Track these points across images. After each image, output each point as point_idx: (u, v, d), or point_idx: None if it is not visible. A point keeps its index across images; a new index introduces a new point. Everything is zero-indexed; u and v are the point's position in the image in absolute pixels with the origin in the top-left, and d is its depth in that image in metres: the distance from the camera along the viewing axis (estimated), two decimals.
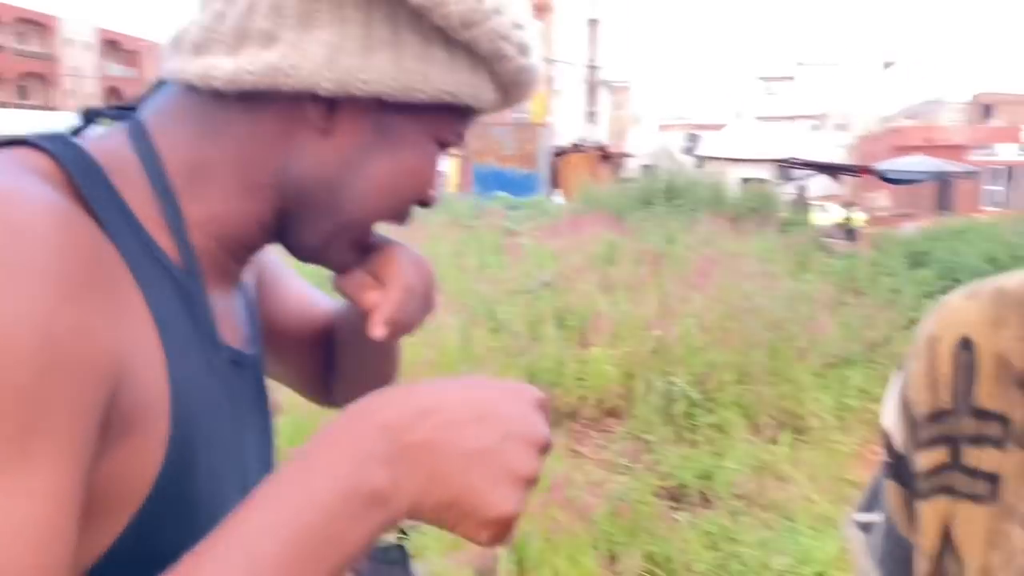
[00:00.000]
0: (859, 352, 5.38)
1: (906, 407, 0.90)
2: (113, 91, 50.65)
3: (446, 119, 0.66)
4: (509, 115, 39.22)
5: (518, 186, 17.41)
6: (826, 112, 52.64)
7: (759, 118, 54.16)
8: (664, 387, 4.66)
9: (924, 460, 0.85)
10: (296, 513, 0.46)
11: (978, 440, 0.82)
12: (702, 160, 19.88)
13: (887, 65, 56.98)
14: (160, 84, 0.67)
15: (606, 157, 20.14)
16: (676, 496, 3.89)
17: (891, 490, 0.95)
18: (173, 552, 0.50)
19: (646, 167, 16.98)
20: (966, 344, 0.83)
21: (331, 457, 0.48)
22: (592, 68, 46.90)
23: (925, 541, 0.87)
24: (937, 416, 0.84)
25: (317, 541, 0.46)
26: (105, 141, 0.61)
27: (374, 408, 0.50)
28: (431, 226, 9.79)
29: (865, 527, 1.01)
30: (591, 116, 49.32)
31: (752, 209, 12.23)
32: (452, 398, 0.51)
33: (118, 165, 0.59)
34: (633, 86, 67.01)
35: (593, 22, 47.93)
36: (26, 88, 47.10)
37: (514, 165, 18.44)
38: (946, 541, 0.84)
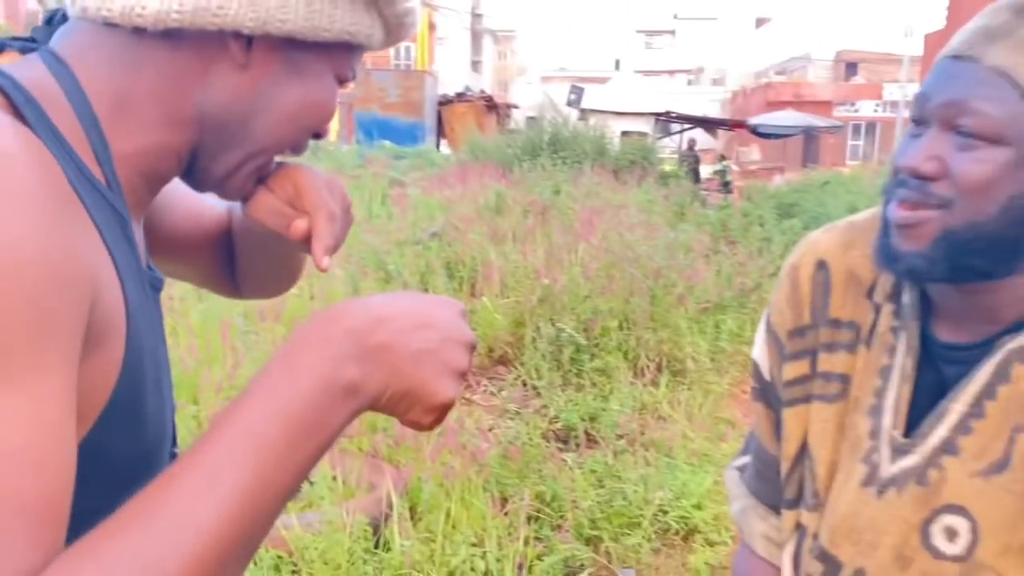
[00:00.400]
0: (732, 298, 5.67)
1: (771, 331, 1.02)
2: None
3: (344, 56, 0.72)
4: (391, 61, 38.41)
5: (403, 135, 17.13)
6: (703, 67, 54.11)
7: (638, 71, 55.12)
8: (552, 334, 4.79)
9: (788, 372, 0.98)
10: (286, 404, 0.53)
11: (831, 347, 0.94)
12: (585, 113, 20.11)
13: (760, 22, 58.92)
14: (60, 18, 0.68)
15: (492, 107, 20.08)
16: (564, 438, 4.04)
17: (759, 413, 1.07)
18: (124, 454, 0.60)
19: (531, 119, 17.05)
20: (821, 265, 0.96)
21: (309, 357, 0.55)
22: (476, 16, 46.31)
23: (788, 446, 0.99)
24: (799, 331, 0.97)
25: (306, 426, 0.54)
26: (28, 72, 0.61)
27: (339, 316, 0.58)
28: None
29: (741, 468, 1.14)
30: (475, 65, 48.82)
31: (632, 162, 12.56)
32: (400, 308, 0.60)
33: (46, 96, 0.60)
34: (517, 36, 66.74)
35: None
36: None
37: (398, 113, 18.10)
38: (803, 444, 0.96)
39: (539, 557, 2.91)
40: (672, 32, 63.61)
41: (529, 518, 3.12)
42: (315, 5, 0.66)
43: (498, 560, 2.78)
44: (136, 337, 0.61)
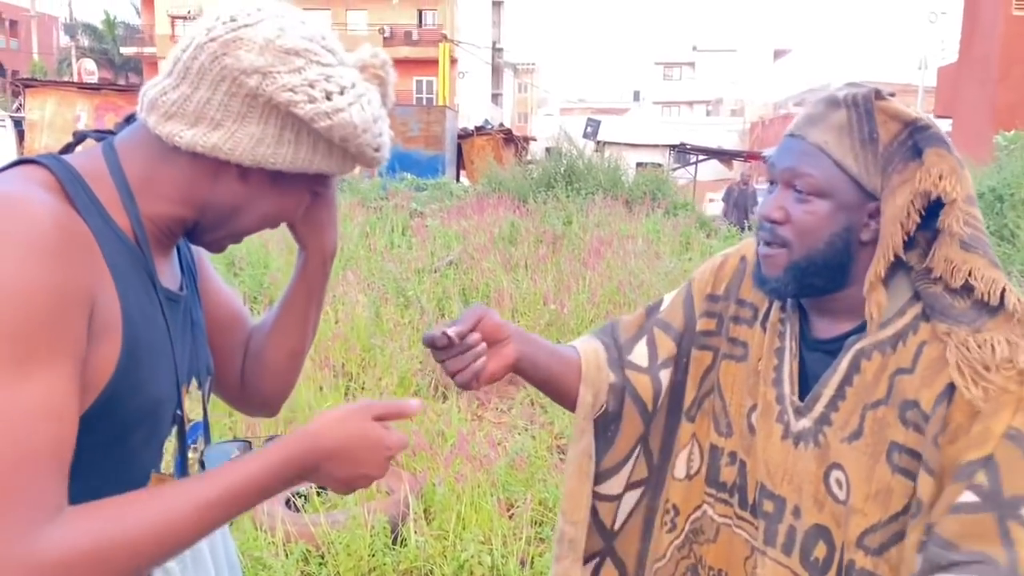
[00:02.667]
0: None
1: (689, 290, 1.39)
2: None
3: (319, 178, 1.01)
4: (414, 96, 38.90)
5: (424, 168, 17.52)
6: (721, 98, 54.31)
7: (657, 103, 55.42)
8: None
9: (700, 325, 1.35)
10: (242, 475, 0.88)
11: (737, 319, 1.30)
12: (601, 145, 20.44)
13: (778, 53, 59.22)
14: (131, 120, 0.99)
15: (510, 140, 20.45)
16: (566, 451, 4.26)
17: (632, 318, 1.44)
18: (126, 412, 0.89)
19: (549, 150, 17.36)
20: (743, 259, 1.36)
21: (274, 457, 0.90)
22: (497, 50, 46.97)
23: (692, 379, 1.34)
24: (712, 297, 1.36)
25: (248, 490, 0.88)
26: (87, 159, 0.94)
27: (309, 441, 0.92)
28: (340, 207, 9.90)
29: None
30: (496, 98, 49.38)
31: (645, 192, 12.76)
32: (344, 445, 0.93)
33: (95, 174, 0.92)
34: (538, 69, 67.29)
35: (497, 3, 47.85)
36: None
37: (419, 147, 18.53)
38: (714, 385, 1.29)
39: (540, 554, 3.14)
40: (691, 64, 63.92)
41: (533, 521, 3.34)
42: (300, 153, 0.93)
43: (503, 556, 3.03)
44: (132, 332, 0.89)
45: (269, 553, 2.96)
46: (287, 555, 2.97)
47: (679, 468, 1.33)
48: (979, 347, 1.01)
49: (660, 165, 18.49)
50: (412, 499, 3.27)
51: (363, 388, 4.67)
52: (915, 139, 1.09)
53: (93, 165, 0.92)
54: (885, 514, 1.07)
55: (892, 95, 1.14)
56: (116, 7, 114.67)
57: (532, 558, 3.11)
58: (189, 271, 1.11)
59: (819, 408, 1.15)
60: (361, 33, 39.68)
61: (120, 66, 46.02)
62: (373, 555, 3.01)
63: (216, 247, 1.05)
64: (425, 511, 3.38)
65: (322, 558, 3.02)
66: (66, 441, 0.80)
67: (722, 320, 1.33)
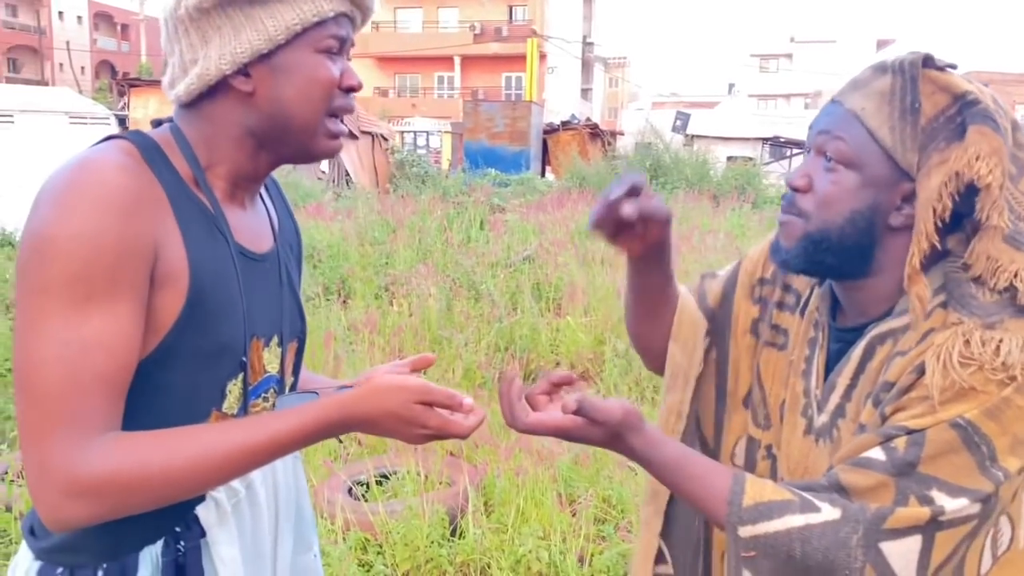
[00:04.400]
0: None
1: (737, 271, 1.32)
2: (105, 64, 50.34)
3: (314, 36, 1.02)
4: (502, 92, 39.13)
5: (508, 163, 17.60)
6: (821, 90, 52.63)
7: (752, 96, 54.13)
8: (630, 352, 4.99)
9: (744, 310, 1.27)
10: (273, 427, 0.96)
11: (781, 305, 1.22)
12: (691, 138, 20.08)
13: (881, 43, 56.90)
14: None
15: (596, 135, 20.31)
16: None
17: (695, 285, 1.38)
18: (192, 351, 0.99)
19: (637, 145, 17.18)
20: None
21: (309, 418, 0.98)
22: (587, 44, 46.74)
23: (740, 374, 1.27)
24: (760, 281, 1.27)
25: (281, 442, 0.96)
26: (161, 133, 1.07)
27: (345, 410, 0.99)
28: (420, 201, 10.06)
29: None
30: (585, 93, 49.16)
31: (733, 187, 12.48)
32: (378, 417, 0.99)
33: (167, 145, 1.04)
34: (629, 62, 66.72)
35: None
36: (17, 61, 46.76)
37: (504, 142, 18.60)
38: (756, 375, 1.23)
39: (600, 552, 3.08)
40: (788, 55, 62.18)
41: (596, 519, 3.29)
42: (258, 25, 0.99)
43: (561, 552, 2.98)
44: (199, 282, 0.98)
45: (328, 540, 2.99)
46: (347, 546, 2.99)
47: (738, 458, 1.27)
48: (982, 343, 0.93)
49: (751, 159, 18.04)
50: (472, 491, 3.26)
51: (433, 379, 4.68)
52: (964, 115, 0.98)
53: (166, 137, 1.04)
54: None
55: (952, 67, 1.03)
56: None
57: (591, 555, 3.06)
58: (289, 238, 1.23)
59: (834, 400, 1.09)
60: (452, 30, 40.13)
61: None
62: (430, 546, 3.01)
63: (315, 149, 1.08)
64: (485, 504, 3.37)
65: (380, 547, 3.03)
66: (118, 373, 0.90)
67: (767, 305, 1.26)
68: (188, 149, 1.03)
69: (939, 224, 0.98)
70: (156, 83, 17.66)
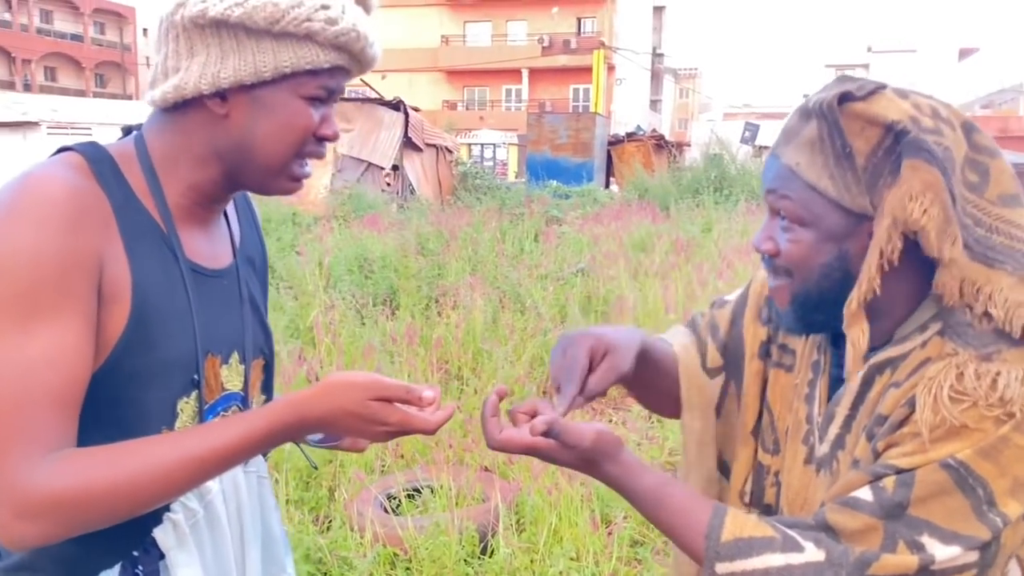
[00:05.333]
0: None
1: (746, 294, 1.25)
2: None
3: (303, 81, 0.99)
4: (569, 104, 39.17)
5: (570, 175, 17.53)
6: None
7: None
8: None
9: (752, 333, 1.21)
10: (223, 435, 0.93)
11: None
12: (760, 149, 19.69)
13: (964, 53, 54.97)
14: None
15: (662, 146, 20.12)
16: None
17: (709, 315, 1.32)
18: (137, 368, 0.96)
19: (704, 156, 16.94)
20: None
21: (259, 423, 0.95)
22: (656, 56, 46.47)
23: (749, 391, 1.20)
24: (770, 300, 1.19)
25: (232, 450, 0.93)
26: (121, 144, 1.04)
27: (295, 412, 0.96)
28: (475, 213, 10.09)
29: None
30: (654, 104, 48.87)
31: None
32: (332, 417, 0.96)
33: (125, 157, 1.01)
34: (700, 73, 66.08)
35: (658, 8, 47.39)
36: (103, 76, 48.95)
37: (567, 154, 18.57)
38: (763, 399, 1.16)
39: (636, 575, 3.02)
40: (865, 66, 60.64)
41: (632, 541, 3.22)
42: (246, 57, 0.96)
43: (594, 575, 2.92)
44: (142, 297, 0.96)
45: (356, 554, 2.97)
46: (377, 562, 2.97)
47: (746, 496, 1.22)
48: (977, 377, 0.86)
49: None
50: (503, 508, 3.21)
51: (473, 391, 4.66)
52: (900, 146, 0.90)
53: (125, 149, 1.02)
54: None
55: (881, 89, 0.93)
56: None
57: None
58: (250, 253, 1.19)
59: (833, 430, 1.03)
60: (520, 43, 40.37)
61: None
62: (458, 563, 2.96)
63: (273, 188, 1.06)
64: (516, 521, 3.31)
65: (409, 562, 3.00)
66: (67, 388, 0.89)
67: (777, 328, 1.18)
68: (147, 162, 1.01)
69: (885, 268, 0.92)
70: None
